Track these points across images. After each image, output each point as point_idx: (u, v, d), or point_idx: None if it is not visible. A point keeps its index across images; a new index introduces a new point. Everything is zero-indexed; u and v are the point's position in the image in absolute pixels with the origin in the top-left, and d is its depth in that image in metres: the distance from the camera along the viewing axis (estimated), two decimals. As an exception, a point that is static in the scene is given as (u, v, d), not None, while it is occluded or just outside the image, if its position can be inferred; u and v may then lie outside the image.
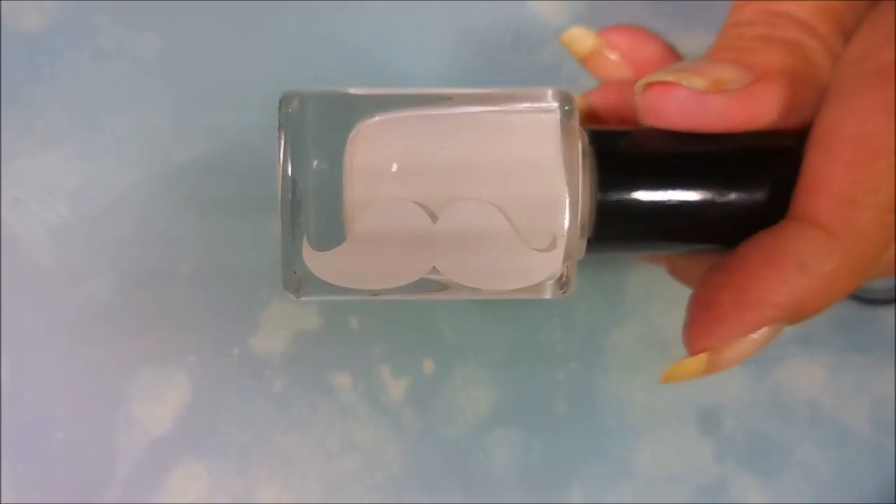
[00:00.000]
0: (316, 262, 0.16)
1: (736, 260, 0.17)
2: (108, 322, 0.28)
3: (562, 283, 0.17)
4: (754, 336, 0.17)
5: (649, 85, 0.17)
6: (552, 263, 0.16)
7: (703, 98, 0.17)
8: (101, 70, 0.28)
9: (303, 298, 0.17)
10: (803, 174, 0.17)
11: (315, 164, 0.16)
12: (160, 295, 0.28)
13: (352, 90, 0.17)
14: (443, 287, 0.17)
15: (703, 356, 0.17)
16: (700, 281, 0.18)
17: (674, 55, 0.21)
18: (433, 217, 0.16)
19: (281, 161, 0.16)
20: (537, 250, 0.16)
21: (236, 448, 0.27)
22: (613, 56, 0.21)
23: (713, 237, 0.18)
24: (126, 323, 0.28)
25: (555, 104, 0.16)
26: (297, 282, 0.17)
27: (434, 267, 0.16)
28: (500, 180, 0.16)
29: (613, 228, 0.17)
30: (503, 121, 0.17)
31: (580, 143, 0.16)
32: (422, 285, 0.17)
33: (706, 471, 0.28)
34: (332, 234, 0.16)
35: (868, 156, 0.16)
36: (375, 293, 0.17)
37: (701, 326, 0.17)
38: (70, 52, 0.28)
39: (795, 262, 0.16)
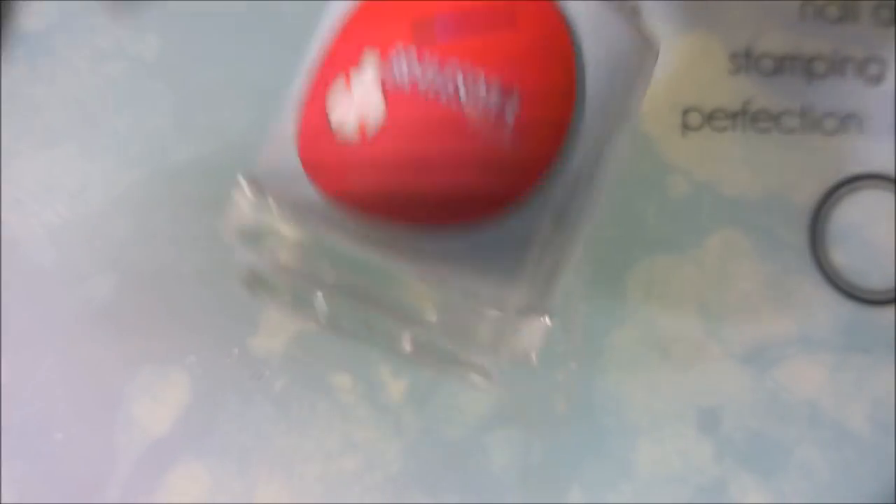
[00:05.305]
0: None
1: None
2: (108, 322, 0.28)
3: None
4: None
5: None
6: None
7: None
8: (100, 70, 0.28)
9: None
10: None
11: None
12: (160, 295, 0.28)
13: None
14: None
15: None
16: None
17: None
18: None
19: None
20: None
21: (236, 448, 0.27)
22: None
23: None
24: (126, 323, 0.28)
25: None
26: None
27: None
28: None
29: None
30: None
31: None
32: None
33: (705, 471, 0.28)
34: None
35: None
36: None
37: None
38: (70, 52, 0.28)
39: None
